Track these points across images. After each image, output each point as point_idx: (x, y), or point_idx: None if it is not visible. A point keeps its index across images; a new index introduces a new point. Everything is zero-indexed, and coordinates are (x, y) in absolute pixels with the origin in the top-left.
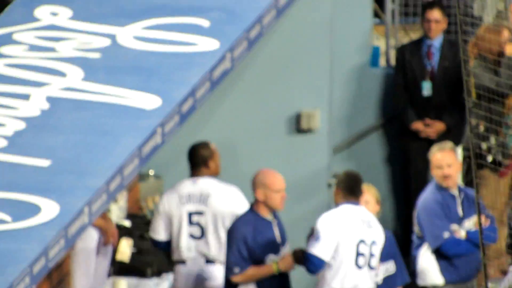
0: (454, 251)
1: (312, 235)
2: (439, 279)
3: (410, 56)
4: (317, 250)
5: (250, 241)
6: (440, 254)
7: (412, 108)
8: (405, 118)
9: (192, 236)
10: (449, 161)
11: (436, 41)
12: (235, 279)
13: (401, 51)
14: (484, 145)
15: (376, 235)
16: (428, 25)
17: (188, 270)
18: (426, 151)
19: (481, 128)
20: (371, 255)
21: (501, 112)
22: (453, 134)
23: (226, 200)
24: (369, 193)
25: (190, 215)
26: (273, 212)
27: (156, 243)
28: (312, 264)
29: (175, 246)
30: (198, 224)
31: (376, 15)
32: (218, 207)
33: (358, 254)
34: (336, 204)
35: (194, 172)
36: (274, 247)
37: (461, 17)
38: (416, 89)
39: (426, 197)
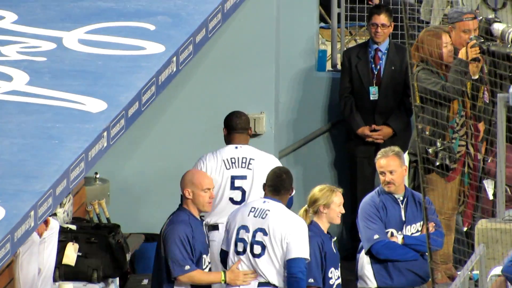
0: (385, 255)
1: None
2: (373, 284)
3: (356, 60)
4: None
5: (192, 240)
6: (373, 257)
7: (359, 113)
8: (352, 123)
9: (232, 200)
10: (392, 167)
11: (383, 45)
12: (182, 278)
13: (347, 54)
14: (430, 150)
15: (263, 225)
16: (375, 29)
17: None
18: (373, 156)
19: (427, 132)
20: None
21: (447, 116)
22: (400, 139)
23: (268, 165)
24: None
25: (233, 179)
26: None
27: None
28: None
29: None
30: (241, 188)
31: (322, 19)
32: (260, 171)
33: (238, 240)
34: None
35: (235, 140)
36: (205, 247)
37: (408, 21)
38: (362, 93)
39: (365, 200)
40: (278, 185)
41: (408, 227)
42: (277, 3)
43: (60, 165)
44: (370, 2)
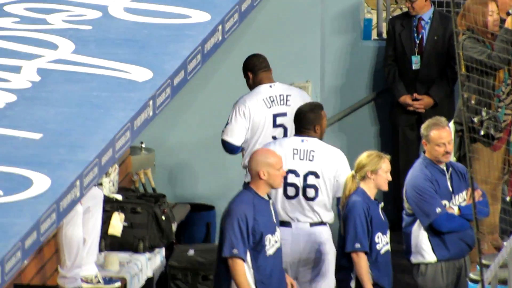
0: (447, 227)
1: None
2: (432, 257)
3: (400, 29)
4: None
5: (252, 221)
6: (433, 231)
7: (401, 82)
8: (394, 91)
9: (274, 138)
10: (449, 137)
11: (426, 14)
12: (229, 260)
13: (392, 23)
14: (475, 119)
15: (313, 167)
16: (409, 4)
17: None
18: (415, 125)
19: (473, 102)
20: (306, 186)
21: (492, 84)
22: (443, 108)
23: (303, 100)
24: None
25: (274, 117)
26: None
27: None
28: None
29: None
30: (283, 126)
31: None
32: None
33: (287, 185)
34: None
35: (264, 79)
36: (270, 227)
37: None
38: (405, 62)
39: (415, 174)
40: (306, 124)
41: (457, 197)
42: None
43: (105, 135)
44: None
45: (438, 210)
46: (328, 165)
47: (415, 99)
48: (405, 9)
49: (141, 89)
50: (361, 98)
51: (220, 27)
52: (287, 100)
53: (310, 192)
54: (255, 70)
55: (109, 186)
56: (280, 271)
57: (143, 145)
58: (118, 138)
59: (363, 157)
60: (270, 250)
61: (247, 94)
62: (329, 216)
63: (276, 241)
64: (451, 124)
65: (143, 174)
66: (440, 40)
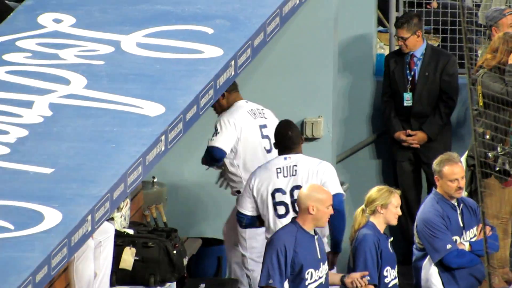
0: (458, 263)
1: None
2: None
3: (394, 66)
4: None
5: (291, 253)
6: (443, 266)
7: (397, 118)
8: (389, 127)
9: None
10: (462, 173)
11: (418, 51)
12: None
13: (387, 60)
14: (490, 154)
15: (297, 182)
16: (401, 43)
17: None
18: (412, 159)
19: (488, 137)
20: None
21: (508, 121)
22: (439, 142)
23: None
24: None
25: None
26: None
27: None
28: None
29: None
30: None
31: (380, 23)
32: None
33: (276, 204)
34: None
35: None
36: (313, 262)
37: (466, 25)
38: (399, 99)
39: (427, 209)
40: (289, 144)
41: (467, 232)
42: (335, 7)
43: (117, 169)
44: (428, 6)
45: (449, 246)
46: (311, 177)
47: (409, 135)
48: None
49: (153, 124)
50: (372, 132)
51: (232, 62)
52: (264, 113)
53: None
54: (229, 89)
55: (120, 220)
56: None
57: (155, 180)
58: (130, 173)
59: (373, 191)
60: (311, 284)
61: (228, 110)
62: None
63: (320, 277)
64: (463, 159)
65: (154, 208)
66: (431, 76)
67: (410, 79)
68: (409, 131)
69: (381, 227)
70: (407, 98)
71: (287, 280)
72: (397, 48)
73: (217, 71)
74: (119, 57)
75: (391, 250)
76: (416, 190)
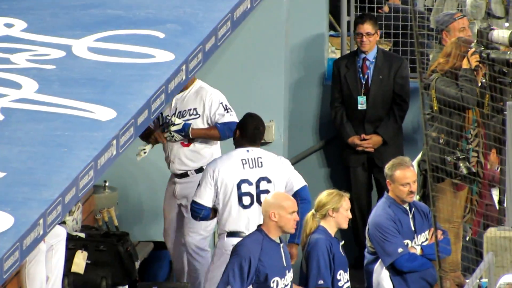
0: (409, 267)
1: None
2: None
3: (345, 70)
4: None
5: (255, 261)
6: (394, 270)
7: (349, 123)
8: (342, 133)
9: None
10: (414, 177)
11: (370, 54)
12: None
13: (336, 65)
14: (449, 158)
15: (264, 173)
16: (360, 39)
17: None
18: (366, 164)
19: (441, 141)
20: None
21: (461, 126)
22: (392, 146)
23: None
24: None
25: None
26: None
27: None
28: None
29: None
30: None
31: (331, 27)
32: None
33: (242, 195)
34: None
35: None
36: (278, 270)
37: (418, 29)
38: (352, 103)
39: (378, 213)
40: (256, 138)
41: (419, 236)
42: (286, 11)
43: (69, 173)
44: (380, 11)
45: (400, 250)
46: (279, 170)
47: (364, 139)
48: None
49: (105, 128)
50: (324, 137)
51: (184, 66)
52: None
53: (264, 198)
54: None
55: (72, 224)
56: None
57: (107, 184)
58: (82, 177)
59: (323, 196)
60: None
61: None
62: None
63: (285, 285)
64: (415, 163)
65: (106, 212)
66: (385, 79)
67: (364, 82)
68: (363, 136)
69: (332, 231)
70: (361, 102)
71: None
72: (347, 51)
73: (169, 75)
74: (70, 61)
75: (342, 254)
76: (368, 194)
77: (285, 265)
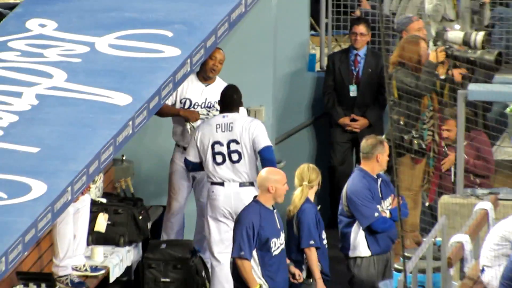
0: (382, 228)
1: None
2: (367, 252)
3: (339, 63)
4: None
5: (257, 228)
6: (369, 230)
7: (340, 107)
8: (334, 115)
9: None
10: (388, 152)
11: (361, 51)
12: (237, 260)
13: (331, 58)
14: (406, 137)
15: (233, 136)
16: (355, 38)
17: None
18: (350, 142)
19: (402, 123)
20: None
21: (418, 109)
22: (376, 128)
23: None
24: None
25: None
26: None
27: None
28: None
29: None
30: None
31: (312, 28)
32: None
33: (215, 154)
34: None
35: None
36: (275, 232)
37: (384, 30)
38: (344, 91)
39: (356, 183)
40: (232, 105)
41: (385, 202)
42: (274, 15)
43: (92, 149)
44: (352, 14)
45: (376, 214)
46: (245, 133)
47: (353, 120)
48: (344, 46)
49: (123, 111)
50: (306, 119)
51: (188, 60)
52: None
53: (234, 157)
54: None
55: (95, 191)
56: (284, 267)
57: (124, 158)
58: (103, 152)
59: (304, 170)
60: (276, 251)
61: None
62: (253, 174)
63: (281, 244)
64: None
65: (124, 181)
66: (373, 72)
67: (355, 74)
68: (354, 116)
69: (312, 198)
70: (353, 90)
71: (255, 250)
72: (335, 49)
73: (176, 67)
74: (93, 56)
75: (320, 218)
76: (345, 167)
77: (279, 227)
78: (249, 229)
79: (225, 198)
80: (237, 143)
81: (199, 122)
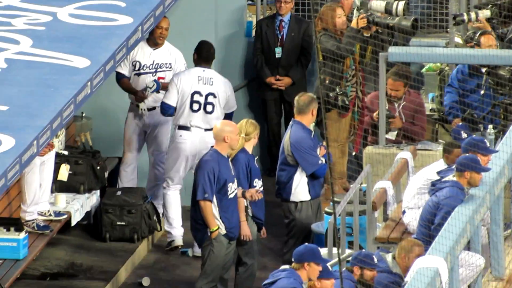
0: (323, 173)
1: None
2: (307, 196)
3: (266, 28)
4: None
5: (217, 173)
6: (312, 177)
7: (267, 67)
8: (261, 74)
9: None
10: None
11: (286, 17)
12: (201, 202)
13: (259, 24)
14: (331, 94)
15: (212, 90)
16: (279, 5)
17: None
18: (278, 99)
19: (327, 81)
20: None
21: (342, 69)
22: (299, 86)
23: None
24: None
25: None
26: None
27: None
28: (163, 109)
29: None
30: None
31: None
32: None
33: (193, 102)
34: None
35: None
36: (230, 177)
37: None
38: (270, 53)
39: (299, 135)
40: (209, 58)
41: (317, 150)
42: None
43: (55, 107)
44: None
45: (320, 161)
46: (223, 89)
47: (278, 79)
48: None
49: (82, 73)
50: (244, 79)
51: (140, 27)
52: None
53: (209, 108)
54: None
55: (58, 144)
56: (237, 210)
57: (84, 114)
58: (65, 109)
59: (243, 124)
60: (231, 195)
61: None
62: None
63: (235, 188)
64: None
65: (83, 136)
66: (296, 36)
67: (280, 37)
68: (278, 77)
69: (250, 150)
70: (278, 52)
71: (214, 194)
72: (267, 14)
73: (128, 34)
74: (56, 24)
75: (257, 166)
76: (279, 121)
77: (233, 174)
78: (210, 173)
79: (192, 141)
80: (214, 96)
81: (152, 103)
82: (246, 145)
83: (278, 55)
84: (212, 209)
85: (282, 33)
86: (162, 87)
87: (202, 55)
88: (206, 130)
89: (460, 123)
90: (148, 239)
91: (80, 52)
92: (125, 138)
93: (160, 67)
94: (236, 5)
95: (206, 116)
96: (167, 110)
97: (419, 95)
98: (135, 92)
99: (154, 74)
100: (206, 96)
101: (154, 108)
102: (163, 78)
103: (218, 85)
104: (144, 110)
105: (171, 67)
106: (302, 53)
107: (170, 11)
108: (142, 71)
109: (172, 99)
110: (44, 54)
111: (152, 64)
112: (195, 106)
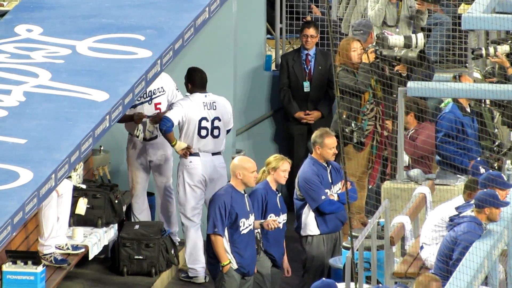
0: (329, 209)
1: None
2: (316, 231)
3: (292, 63)
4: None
5: (229, 208)
6: (318, 212)
7: (295, 101)
8: (290, 109)
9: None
10: (336, 143)
11: (311, 51)
12: (211, 236)
13: (284, 58)
14: (347, 129)
15: (217, 114)
16: (306, 39)
17: None
18: (305, 134)
19: (344, 116)
20: (214, 128)
21: (359, 104)
22: (327, 120)
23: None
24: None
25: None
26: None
27: None
28: (162, 122)
29: None
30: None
31: (268, 31)
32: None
33: (201, 128)
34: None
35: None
36: (244, 213)
37: (332, 33)
38: (298, 87)
39: (306, 169)
40: (204, 83)
41: (335, 186)
42: (235, 20)
43: (73, 140)
44: (304, 19)
45: (323, 197)
46: (225, 111)
47: (307, 114)
48: (296, 48)
49: (100, 107)
50: (263, 113)
51: (159, 61)
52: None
53: (216, 132)
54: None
55: (76, 178)
56: (253, 246)
57: (102, 148)
58: (83, 143)
59: (270, 157)
60: (244, 230)
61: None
62: (223, 146)
63: (250, 224)
64: None
65: (101, 169)
66: (323, 69)
67: (308, 71)
68: (307, 111)
69: (273, 185)
70: (306, 86)
71: (226, 228)
72: (286, 48)
73: (147, 67)
74: (75, 57)
75: (279, 203)
76: (304, 155)
77: (248, 210)
78: (222, 208)
79: (203, 166)
80: (219, 120)
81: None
82: (269, 178)
83: (306, 89)
84: (223, 243)
85: (309, 67)
86: (158, 118)
87: (196, 82)
88: (213, 154)
89: (478, 159)
90: (165, 273)
91: (99, 85)
92: (130, 170)
93: (154, 93)
94: (255, 39)
95: (214, 140)
96: (166, 123)
97: (432, 125)
98: (131, 117)
99: (150, 102)
100: (213, 121)
101: (156, 137)
102: (159, 104)
103: (221, 108)
104: (142, 133)
105: (163, 90)
106: (329, 86)
107: (189, 45)
108: (137, 102)
109: (175, 117)
110: (63, 87)
111: (146, 93)
112: (203, 132)
